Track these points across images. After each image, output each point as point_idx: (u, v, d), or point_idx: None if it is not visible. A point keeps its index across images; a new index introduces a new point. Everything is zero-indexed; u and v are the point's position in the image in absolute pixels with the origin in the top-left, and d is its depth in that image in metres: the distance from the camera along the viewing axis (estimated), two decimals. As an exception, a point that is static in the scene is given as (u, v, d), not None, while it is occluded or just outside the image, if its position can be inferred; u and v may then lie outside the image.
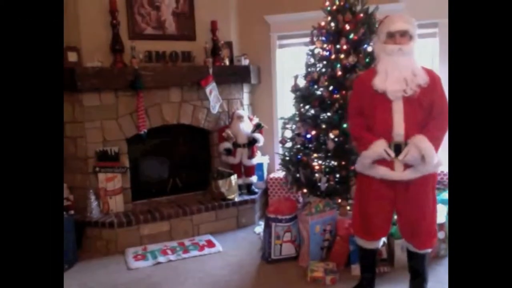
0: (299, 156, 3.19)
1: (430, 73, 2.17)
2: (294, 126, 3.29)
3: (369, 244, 2.41)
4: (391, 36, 2.15)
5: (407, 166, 2.15)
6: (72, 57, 3.40)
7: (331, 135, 2.97)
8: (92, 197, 3.43)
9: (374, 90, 2.15)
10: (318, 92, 3.09)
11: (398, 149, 2.15)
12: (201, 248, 3.31)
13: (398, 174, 2.16)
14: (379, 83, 2.14)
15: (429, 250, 2.33)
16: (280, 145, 3.46)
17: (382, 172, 2.18)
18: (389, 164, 2.17)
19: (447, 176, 3.59)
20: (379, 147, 2.15)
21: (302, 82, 3.25)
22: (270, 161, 4.37)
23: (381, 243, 2.49)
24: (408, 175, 2.15)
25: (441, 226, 2.83)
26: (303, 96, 3.18)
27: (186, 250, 3.27)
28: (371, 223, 2.33)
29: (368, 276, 2.50)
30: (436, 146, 2.13)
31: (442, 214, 2.91)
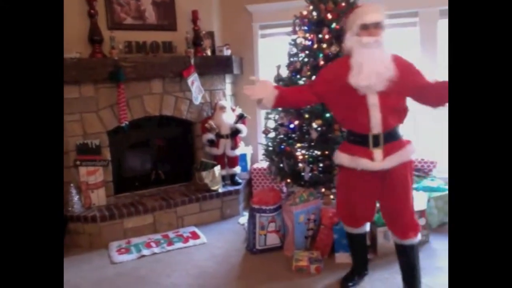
0: (282, 146, 3.19)
1: (398, 59, 2.14)
2: (277, 116, 3.29)
3: (357, 230, 2.46)
4: (365, 28, 2.10)
5: (386, 155, 2.17)
6: (49, 48, 3.30)
7: (314, 125, 2.98)
8: (74, 191, 3.37)
9: (347, 83, 2.13)
10: (301, 82, 3.09)
11: (376, 140, 2.17)
12: (186, 240, 3.30)
13: (378, 164, 2.17)
14: (353, 78, 2.11)
15: (415, 241, 2.26)
16: (263, 135, 3.46)
17: (362, 164, 2.19)
18: (368, 154, 2.18)
19: (427, 164, 3.66)
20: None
21: (284, 72, 3.24)
22: (253, 152, 4.37)
23: (368, 227, 2.53)
24: (388, 163, 2.17)
25: (421, 212, 2.89)
26: (286, 86, 3.17)
27: (170, 243, 3.25)
28: (356, 210, 2.36)
29: (362, 261, 2.54)
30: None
31: (423, 201, 2.97)
